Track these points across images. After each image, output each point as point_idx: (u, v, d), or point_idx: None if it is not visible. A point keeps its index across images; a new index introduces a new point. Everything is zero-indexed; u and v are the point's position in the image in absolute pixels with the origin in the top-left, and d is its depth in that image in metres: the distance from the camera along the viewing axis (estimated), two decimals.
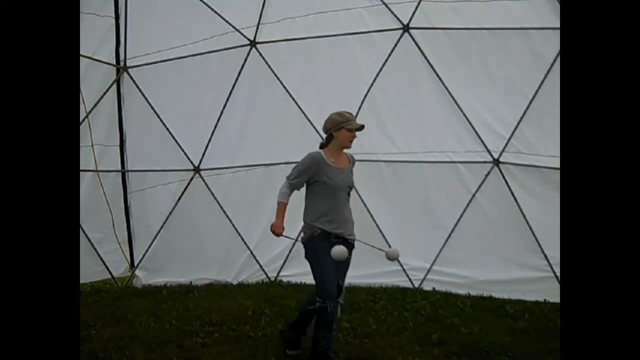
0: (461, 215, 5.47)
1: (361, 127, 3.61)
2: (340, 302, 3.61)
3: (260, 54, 5.62)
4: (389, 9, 5.28)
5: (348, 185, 3.67)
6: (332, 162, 3.59)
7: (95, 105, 5.59)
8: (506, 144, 5.25)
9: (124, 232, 6.11)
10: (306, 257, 3.64)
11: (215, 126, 5.80)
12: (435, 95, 5.37)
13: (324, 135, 3.73)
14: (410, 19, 5.27)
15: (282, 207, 3.70)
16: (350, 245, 3.60)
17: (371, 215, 5.64)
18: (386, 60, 5.40)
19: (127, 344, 4.00)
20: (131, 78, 5.81)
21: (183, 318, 4.65)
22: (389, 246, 5.66)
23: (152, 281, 6.05)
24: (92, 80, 5.53)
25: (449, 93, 5.30)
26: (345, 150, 3.71)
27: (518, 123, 5.16)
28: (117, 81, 5.79)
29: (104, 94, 5.66)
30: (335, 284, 3.51)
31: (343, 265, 3.59)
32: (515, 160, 5.25)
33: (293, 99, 5.64)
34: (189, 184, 5.97)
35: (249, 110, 5.79)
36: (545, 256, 5.18)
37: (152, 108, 5.84)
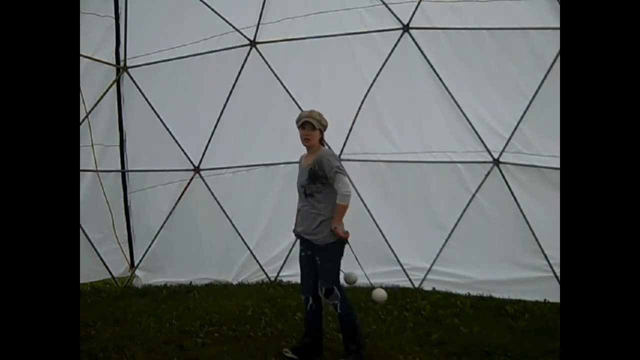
0: (461, 215, 5.47)
1: (303, 123, 3.64)
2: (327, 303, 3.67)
3: (260, 54, 5.62)
4: (389, 9, 5.29)
5: (300, 184, 3.70)
6: (301, 163, 3.78)
7: (95, 105, 5.59)
8: (506, 144, 5.25)
9: (124, 232, 6.11)
10: None
11: (215, 126, 5.80)
12: (435, 95, 5.36)
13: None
14: (410, 19, 5.27)
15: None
16: (313, 246, 3.63)
17: (371, 215, 5.64)
18: (386, 60, 5.40)
19: (127, 344, 4.00)
20: (131, 78, 5.81)
21: (183, 318, 4.66)
22: (389, 247, 5.69)
23: (152, 281, 6.05)
24: (92, 80, 5.53)
25: (449, 93, 5.30)
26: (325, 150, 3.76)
27: (518, 123, 5.16)
28: (117, 81, 5.79)
29: (104, 94, 5.66)
30: (305, 284, 3.71)
31: (314, 268, 3.65)
32: (515, 160, 5.25)
33: (293, 99, 5.64)
34: (189, 184, 5.97)
35: (249, 110, 5.79)
36: (545, 256, 5.18)
37: (152, 108, 5.84)
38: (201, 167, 5.95)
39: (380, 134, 5.56)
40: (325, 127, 3.72)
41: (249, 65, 5.65)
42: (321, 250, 3.58)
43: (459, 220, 5.48)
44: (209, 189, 5.96)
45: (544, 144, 5.08)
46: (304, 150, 3.79)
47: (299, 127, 3.69)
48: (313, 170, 3.58)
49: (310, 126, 3.61)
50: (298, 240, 5.84)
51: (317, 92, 5.58)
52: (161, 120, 5.85)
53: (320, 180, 3.55)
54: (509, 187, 5.29)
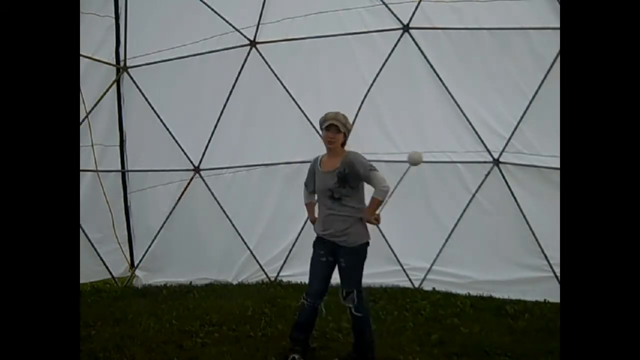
0: (461, 215, 5.47)
1: (328, 126, 3.52)
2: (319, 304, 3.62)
3: (260, 54, 5.62)
4: (389, 9, 5.28)
5: (327, 188, 3.55)
6: (320, 166, 3.64)
7: (95, 105, 5.59)
8: (506, 144, 5.25)
9: (124, 232, 6.11)
10: None
11: (215, 126, 5.80)
12: (435, 95, 5.36)
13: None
14: (410, 19, 5.27)
15: (307, 207, 3.95)
16: (339, 249, 3.56)
17: None
18: (386, 60, 5.40)
19: (127, 344, 4.00)
20: (131, 78, 5.81)
21: (183, 318, 4.66)
22: (389, 247, 5.68)
23: (152, 281, 6.05)
24: (92, 80, 5.53)
25: (449, 93, 5.30)
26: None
27: (518, 123, 5.16)
28: (117, 81, 5.79)
29: (104, 94, 5.66)
30: (318, 289, 3.59)
31: (342, 270, 3.59)
32: (515, 160, 5.25)
33: (293, 99, 5.64)
34: (189, 184, 5.97)
35: (249, 110, 5.78)
36: (545, 256, 5.18)
37: (152, 108, 5.84)
38: (201, 167, 5.95)
39: (381, 134, 5.55)
40: (349, 131, 3.62)
41: (249, 65, 5.65)
42: (349, 252, 3.53)
43: (459, 220, 5.48)
44: (209, 189, 5.95)
45: (544, 144, 5.08)
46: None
47: (323, 129, 3.56)
48: (343, 173, 3.49)
49: (336, 129, 3.51)
50: (298, 241, 5.96)
51: (317, 92, 5.58)
52: (161, 120, 5.85)
53: (350, 184, 3.49)
54: (509, 187, 5.29)
